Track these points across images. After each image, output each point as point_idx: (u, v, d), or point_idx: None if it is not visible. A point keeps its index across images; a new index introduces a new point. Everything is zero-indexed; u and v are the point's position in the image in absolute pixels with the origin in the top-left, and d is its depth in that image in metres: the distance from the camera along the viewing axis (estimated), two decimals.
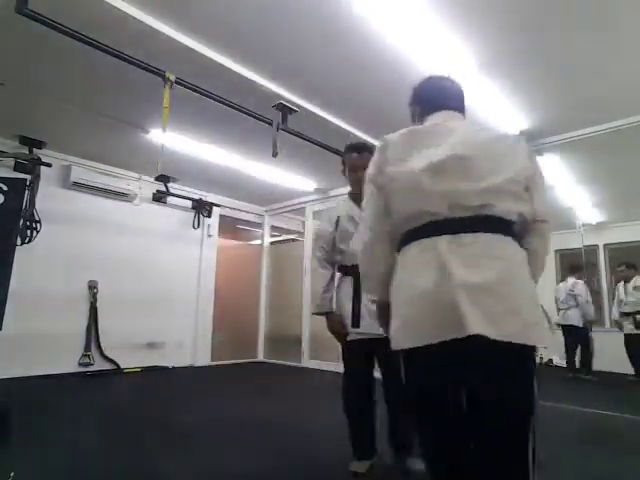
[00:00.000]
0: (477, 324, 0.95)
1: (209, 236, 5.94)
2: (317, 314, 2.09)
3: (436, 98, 1.30)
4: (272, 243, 6.89)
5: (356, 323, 1.95)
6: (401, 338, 1.09)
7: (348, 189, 2.17)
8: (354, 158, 2.06)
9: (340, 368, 4.63)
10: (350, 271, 2.00)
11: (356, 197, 2.06)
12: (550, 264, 6.49)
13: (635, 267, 5.18)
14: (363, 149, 2.06)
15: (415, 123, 1.35)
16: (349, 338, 1.98)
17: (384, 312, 1.22)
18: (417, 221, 1.09)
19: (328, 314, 2.05)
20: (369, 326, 1.89)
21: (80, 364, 4.49)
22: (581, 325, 5.22)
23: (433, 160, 1.08)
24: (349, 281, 2.03)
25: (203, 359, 5.61)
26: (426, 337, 1.01)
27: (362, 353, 1.99)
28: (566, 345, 5.31)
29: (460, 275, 0.99)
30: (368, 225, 1.20)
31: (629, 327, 4.97)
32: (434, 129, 1.20)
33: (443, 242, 1.03)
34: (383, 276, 1.18)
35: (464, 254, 1.02)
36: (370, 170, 1.22)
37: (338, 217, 2.08)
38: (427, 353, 1.02)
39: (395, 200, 1.14)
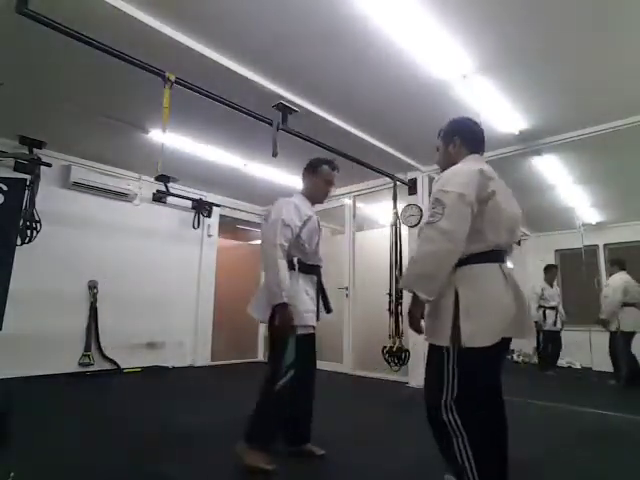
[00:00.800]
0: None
1: (209, 236, 5.94)
2: (279, 305, 2.00)
3: (480, 143, 1.63)
4: None
5: (318, 317, 2.18)
6: (483, 337, 1.33)
7: (301, 189, 2.34)
8: (331, 174, 2.28)
9: (342, 368, 4.64)
10: (311, 270, 2.20)
11: (315, 203, 2.30)
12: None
13: (619, 263, 5.07)
14: (337, 167, 2.30)
15: (447, 149, 1.64)
16: (307, 332, 2.10)
17: (421, 309, 1.47)
18: (489, 247, 1.41)
19: (287, 305, 2.01)
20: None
21: (80, 364, 4.49)
22: None
23: (519, 211, 1.53)
24: (310, 279, 2.19)
25: (203, 359, 5.61)
26: (501, 335, 1.36)
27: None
28: None
29: (524, 296, 1.47)
30: (454, 237, 1.35)
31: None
32: (496, 177, 1.49)
33: (506, 268, 1.43)
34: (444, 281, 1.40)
35: (515, 279, 1.47)
36: (468, 191, 1.37)
37: (309, 216, 2.18)
38: (490, 351, 1.33)
39: (487, 226, 1.40)
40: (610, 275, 5.12)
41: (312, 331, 2.13)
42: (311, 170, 2.30)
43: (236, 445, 2.01)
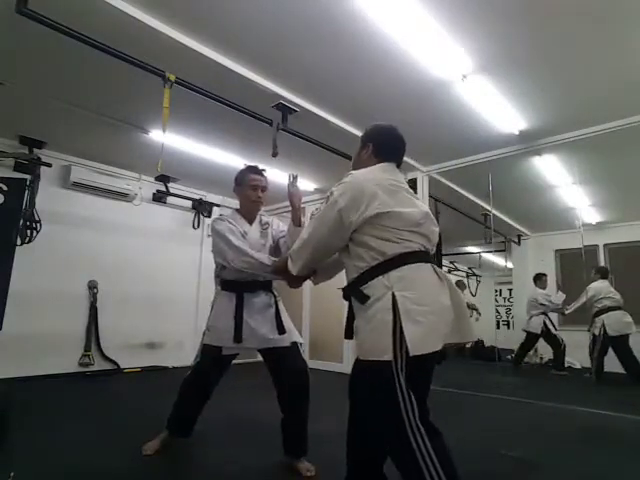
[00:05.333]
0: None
1: (209, 236, 5.90)
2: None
3: (394, 153, 1.59)
4: None
5: (238, 338, 2.04)
6: (431, 341, 1.26)
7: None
8: (255, 178, 2.20)
9: (342, 368, 4.67)
10: (231, 286, 2.13)
11: (246, 214, 2.24)
12: (550, 265, 6.50)
13: (602, 271, 5.26)
14: (260, 171, 2.26)
15: (360, 153, 1.62)
16: (212, 344, 2.11)
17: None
18: (412, 248, 1.37)
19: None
20: (253, 340, 2.07)
21: (80, 364, 4.48)
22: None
23: (422, 210, 1.49)
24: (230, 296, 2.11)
25: None
26: (447, 340, 1.30)
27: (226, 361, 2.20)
28: None
29: (461, 297, 1.42)
30: (310, 237, 1.47)
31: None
32: (390, 188, 1.45)
33: (439, 269, 1.40)
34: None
35: (450, 280, 1.43)
36: (346, 209, 1.38)
37: (245, 232, 2.14)
38: (431, 357, 1.27)
39: (393, 232, 1.38)
40: (591, 282, 5.25)
41: (215, 352, 2.09)
42: (238, 183, 2.26)
43: None
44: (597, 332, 4.93)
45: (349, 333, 1.48)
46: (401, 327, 1.24)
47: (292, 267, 1.55)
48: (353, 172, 1.50)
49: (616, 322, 4.83)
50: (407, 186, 1.54)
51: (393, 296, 1.28)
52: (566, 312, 5.37)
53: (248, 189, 2.20)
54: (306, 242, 1.49)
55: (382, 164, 1.54)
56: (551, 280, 6.38)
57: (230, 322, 2.05)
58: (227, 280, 2.14)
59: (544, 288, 5.95)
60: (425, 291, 1.32)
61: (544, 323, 5.74)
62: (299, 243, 1.53)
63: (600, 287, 5.12)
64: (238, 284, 2.11)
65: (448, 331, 1.30)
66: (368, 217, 1.35)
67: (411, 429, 1.21)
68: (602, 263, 5.97)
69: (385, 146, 1.59)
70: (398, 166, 1.59)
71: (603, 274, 5.26)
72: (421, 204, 1.51)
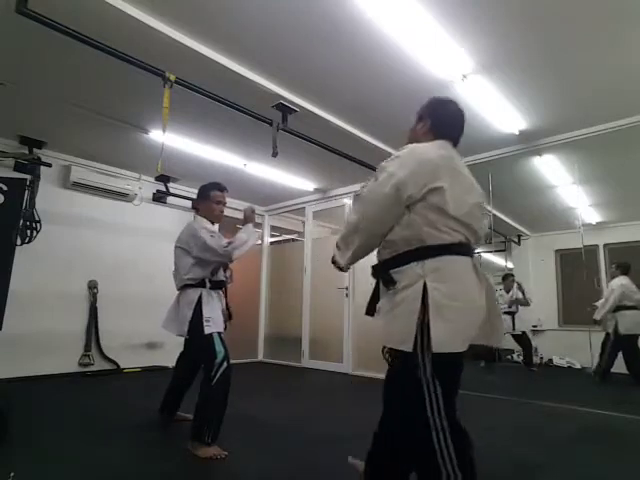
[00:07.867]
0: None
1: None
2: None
3: (453, 129, 1.49)
4: (272, 243, 6.89)
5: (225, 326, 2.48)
6: (456, 341, 1.19)
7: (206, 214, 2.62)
8: (219, 195, 2.56)
9: (342, 368, 4.69)
10: (220, 285, 2.62)
11: (214, 223, 2.60)
12: (550, 265, 6.50)
13: (622, 267, 5.09)
14: (224, 188, 2.61)
15: (416, 127, 1.52)
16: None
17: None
18: (456, 238, 1.27)
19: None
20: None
21: (80, 364, 4.49)
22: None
23: (476, 201, 1.41)
24: (218, 294, 2.57)
25: None
26: (474, 341, 1.24)
27: None
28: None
29: (496, 295, 1.38)
30: (363, 214, 1.38)
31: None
32: (453, 167, 1.39)
33: (478, 264, 1.30)
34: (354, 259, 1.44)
35: (487, 277, 1.33)
36: (404, 182, 1.29)
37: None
38: (457, 357, 1.23)
39: (442, 218, 1.29)
40: (611, 278, 5.15)
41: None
42: (203, 197, 2.59)
43: (188, 445, 2.16)
44: (610, 330, 4.85)
45: (371, 310, 1.39)
46: (428, 321, 1.16)
47: (341, 258, 1.38)
48: (410, 145, 1.38)
49: (629, 321, 4.76)
50: (466, 168, 1.42)
51: (424, 286, 1.19)
52: (598, 318, 5.07)
53: (213, 204, 2.56)
54: (355, 226, 1.34)
55: (439, 141, 1.42)
56: (550, 280, 6.40)
57: (220, 313, 2.48)
58: (217, 281, 2.57)
59: (508, 290, 6.08)
60: (460, 286, 1.21)
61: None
62: (347, 229, 1.37)
63: (626, 285, 4.91)
64: (223, 283, 2.61)
65: (475, 333, 1.22)
66: (426, 192, 1.24)
67: (435, 428, 1.18)
68: (602, 263, 5.97)
69: (443, 123, 1.47)
70: (455, 145, 1.47)
71: (624, 270, 5.03)
72: (479, 189, 1.39)
